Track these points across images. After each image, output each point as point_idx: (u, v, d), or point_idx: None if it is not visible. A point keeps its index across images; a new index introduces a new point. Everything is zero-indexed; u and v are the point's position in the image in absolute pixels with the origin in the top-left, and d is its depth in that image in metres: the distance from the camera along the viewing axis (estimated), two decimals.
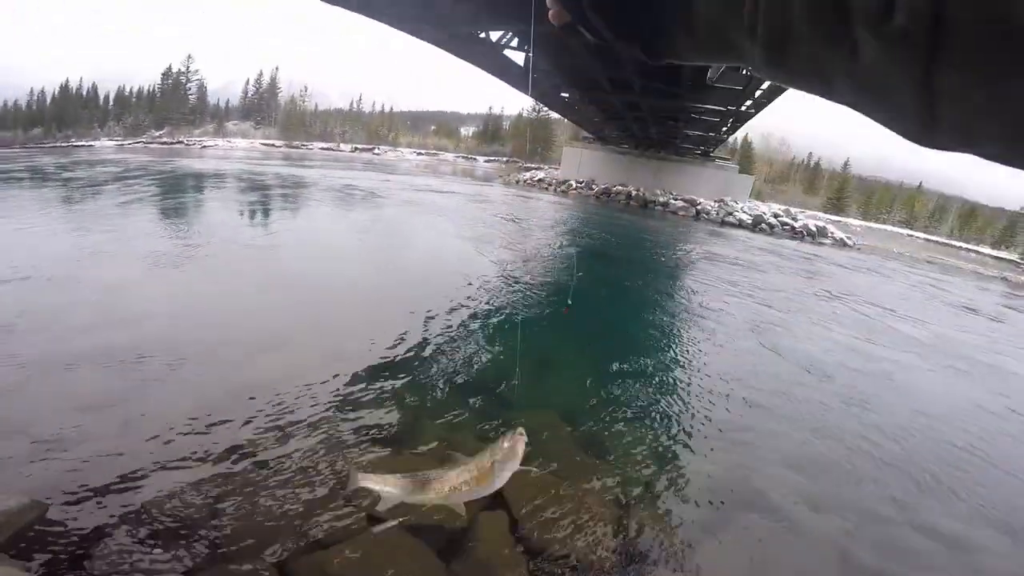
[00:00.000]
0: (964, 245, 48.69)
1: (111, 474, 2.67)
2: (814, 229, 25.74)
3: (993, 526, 3.46)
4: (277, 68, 69.48)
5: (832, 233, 26.15)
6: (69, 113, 58.19)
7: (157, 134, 56.24)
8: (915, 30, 0.24)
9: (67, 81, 62.83)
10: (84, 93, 62.43)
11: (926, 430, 4.72)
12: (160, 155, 31.39)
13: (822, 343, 6.98)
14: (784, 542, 2.97)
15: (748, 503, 3.24)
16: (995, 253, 45.90)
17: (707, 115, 17.96)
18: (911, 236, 49.18)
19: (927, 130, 0.27)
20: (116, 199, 12.08)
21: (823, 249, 21.98)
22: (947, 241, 50.04)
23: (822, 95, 0.34)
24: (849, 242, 25.91)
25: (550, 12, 0.50)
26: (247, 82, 67.85)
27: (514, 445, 1.03)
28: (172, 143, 51.84)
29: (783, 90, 14.16)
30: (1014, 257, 43.92)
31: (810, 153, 67.95)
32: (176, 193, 14.57)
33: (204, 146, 49.77)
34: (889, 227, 53.30)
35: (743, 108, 16.47)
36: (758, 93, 15.18)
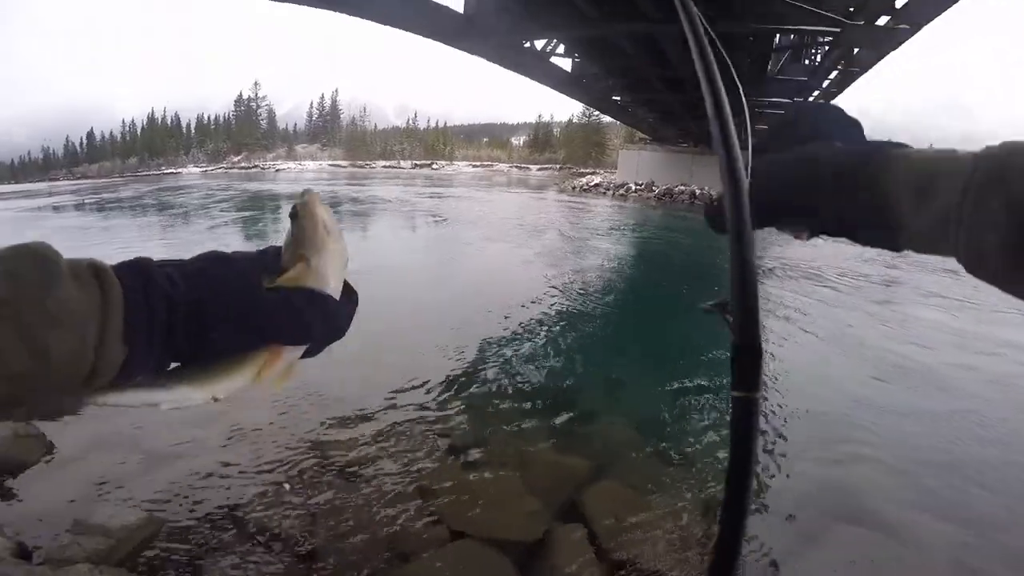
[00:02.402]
0: None
1: (216, 487, 2.87)
2: None
3: None
4: (337, 90, 73.94)
5: None
6: (157, 142, 64.98)
7: (235, 159, 61.37)
8: None
9: (152, 111, 70.13)
10: (168, 122, 69.43)
11: None
12: (240, 179, 34.07)
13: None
14: (896, 553, 2.69)
15: (853, 512, 2.96)
16: None
17: (771, 108, 17.02)
18: None
19: None
20: (213, 221, 13.22)
21: None
22: None
23: None
24: None
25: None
26: (311, 105, 72.59)
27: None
28: (249, 167, 56.22)
29: (854, 78, 13.16)
30: None
31: (889, 138, 63.09)
32: (259, 213, 15.73)
33: (278, 169, 53.58)
34: None
35: (811, 99, 15.47)
36: (826, 83, 14.20)
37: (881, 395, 4.59)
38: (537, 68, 12.12)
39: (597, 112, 43.88)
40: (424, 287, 7.80)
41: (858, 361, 5.50)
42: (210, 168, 56.43)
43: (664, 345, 5.76)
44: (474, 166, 63.87)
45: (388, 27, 8.15)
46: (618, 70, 13.49)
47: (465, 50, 9.34)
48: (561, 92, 16.12)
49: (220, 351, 0.38)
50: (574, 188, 32.61)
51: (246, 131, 65.56)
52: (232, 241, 10.76)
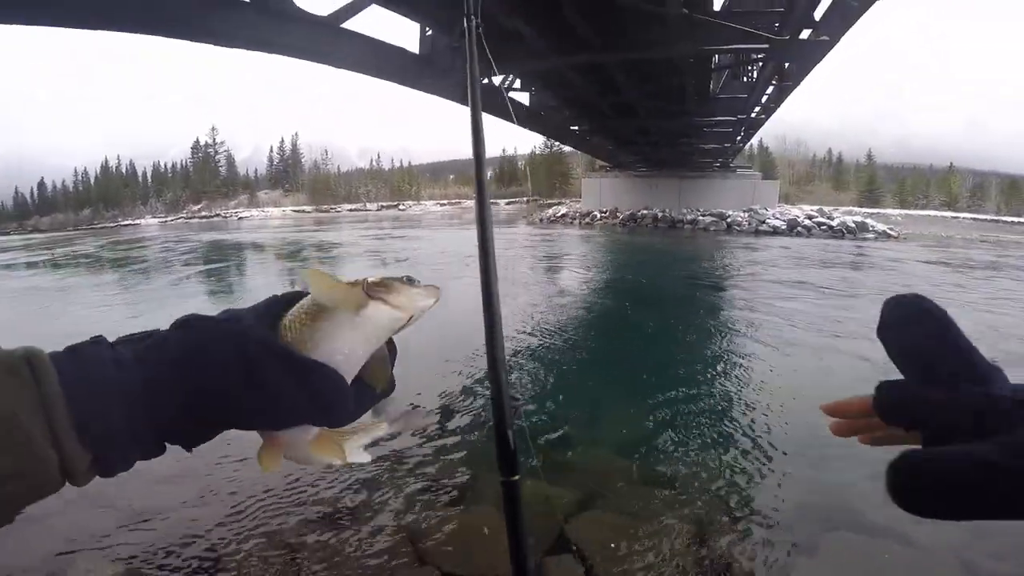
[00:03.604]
0: (1017, 219, 45.66)
1: (195, 537, 2.70)
2: (853, 225, 24.69)
3: None
4: (297, 134, 73.94)
5: (873, 227, 25.00)
6: (112, 192, 62.74)
7: (195, 208, 60.08)
8: None
9: (106, 160, 67.92)
10: (123, 171, 67.42)
11: None
12: (201, 229, 33.30)
13: None
14: (894, 559, 2.65)
15: (842, 520, 2.94)
16: None
17: (718, 127, 17.92)
18: (956, 218, 46.71)
19: None
20: (176, 276, 12.76)
21: (869, 244, 21.11)
22: (995, 218, 47.27)
23: None
24: (892, 233, 24.70)
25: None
26: (271, 149, 72.17)
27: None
28: (210, 216, 55.11)
29: (788, 92, 13.99)
30: None
31: (830, 149, 66.74)
32: (223, 265, 15.30)
33: (240, 217, 52.69)
34: (930, 212, 51.07)
35: (752, 115, 16.35)
36: (764, 98, 15.07)
37: None
38: (495, 103, 12.44)
39: (558, 143, 45.31)
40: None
41: None
42: (169, 219, 54.97)
43: (639, 368, 5.73)
44: (441, 204, 64.44)
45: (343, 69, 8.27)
46: (571, 101, 13.99)
47: (424, 90, 9.52)
48: (522, 126, 16.59)
49: (205, 431, 0.35)
50: (542, 220, 33.23)
51: (205, 178, 64.45)
52: (198, 295, 10.39)
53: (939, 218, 45.65)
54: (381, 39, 7.48)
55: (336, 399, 0.36)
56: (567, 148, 47.57)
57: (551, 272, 12.99)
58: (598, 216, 30.49)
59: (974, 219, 46.35)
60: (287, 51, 6.92)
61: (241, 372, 0.33)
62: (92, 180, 65.41)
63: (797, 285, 10.67)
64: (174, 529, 2.81)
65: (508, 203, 62.66)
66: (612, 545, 2.65)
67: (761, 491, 3.26)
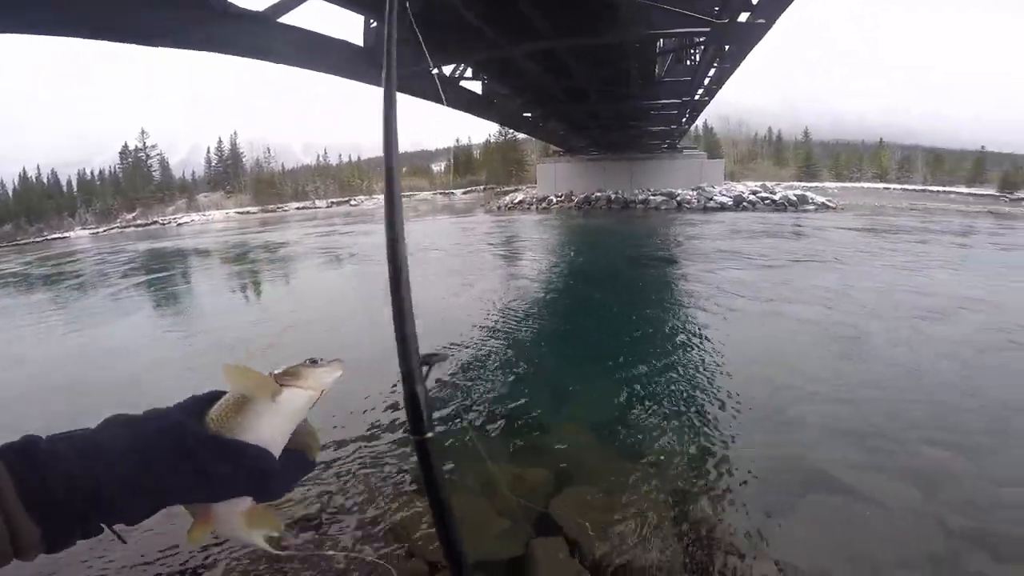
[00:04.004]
0: (941, 189, 50.04)
1: (173, 558, 2.56)
2: (794, 199, 26.15)
3: None
4: (236, 132, 69.78)
5: (812, 199, 26.55)
6: (35, 205, 57.39)
7: (130, 217, 56.07)
8: None
9: (24, 171, 61.94)
10: (45, 181, 61.84)
11: None
12: (139, 239, 31.29)
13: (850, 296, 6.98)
14: (858, 513, 2.83)
15: (808, 479, 3.13)
16: (972, 191, 47.08)
17: (664, 110, 18.43)
18: (887, 189, 50.47)
19: None
20: (115, 288, 11.93)
21: (809, 216, 22.36)
22: (923, 188, 51.33)
23: None
24: (831, 204, 26.39)
25: None
26: (208, 151, 68.00)
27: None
28: (147, 224, 51.72)
29: (729, 74, 14.51)
30: (991, 192, 45.18)
31: (770, 128, 70.02)
32: (166, 275, 14.45)
33: (180, 223, 49.80)
34: (864, 184, 54.65)
35: (696, 97, 16.87)
36: (707, 80, 15.57)
37: None
38: (447, 94, 12.25)
39: (512, 131, 45.13)
40: (352, 325, 7.49)
41: None
42: (101, 230, 51.15)
43: (604, 344, 5.90)
44: None
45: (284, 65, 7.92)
46: (524, 87, 13.99)
47: (370, 83, 9.26)
48: (474, 115, 16.40)
49: (147, 511, 0.39)
50: (499, 207, 33.16)
51: (137, 185, 59.91)
52: (142, 309, 9.79)
53: (872, 189, 49.01)
54: (322, 32, 7.19)
55: (266, 471, 0.42)
56: (521, 135, 47.50)
57: (510, 258, 13.06)
58: (554, 201, 30.79)
59: (904, 189, 50.18)
60: (221, 49, 6.56)
61: (179, 459, 0.38)
62: (10, 193, 59.62)
63: (743, 257, 11.22)
64: (150, 543, 2.68)
65: (465, 192, 62.06)
66: (594, 522, 2.72)
67: (730, 454, 3.44)
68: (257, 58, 7.15)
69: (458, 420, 4.13)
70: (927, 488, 3.00)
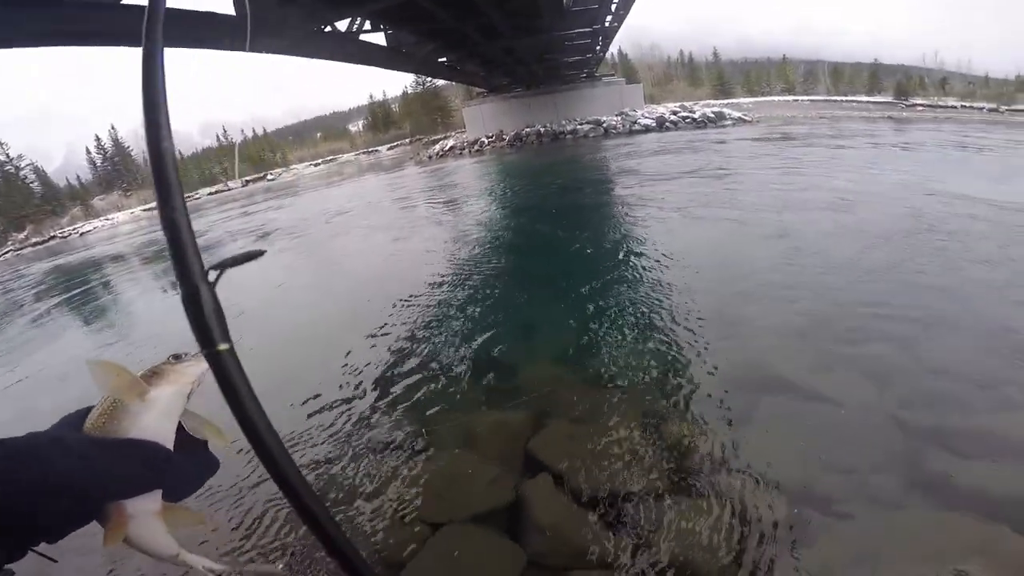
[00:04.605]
0: (843, 98, 53.42)
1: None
2: (712, 116, 27.00)
3: None
4: (113, 126, 61.95)
5: (729, 115, 27.51)
6: None
7: (21, 236, 49.94)
8: None
9: None
10: None
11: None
12: (41, 257, 28.19)
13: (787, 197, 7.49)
14: (818, 410, 3.01)
15: (769, 380, 3.33)
16: (871, 99, 50.72)
17: (577, 39, 18.17)
18: (796, 100, 53.07)
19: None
20: (34, 313, 10.88)
21: (728, 130, 23.20)
22: (828, 99, 54.31)
23: None
24: (747, 118, 27.54)
25: None
26: (88, 151, 60.57)
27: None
28: (45, 241, 46.37)
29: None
30: (888, 99, 49.08)
31: (681, 50, 70.64)
32: (87, 287, 13.28)
33: (83, 232, 45.00)
34: (775, 98, 56.87)
35: (606, 24, 16.68)
36: (614, 6, 15.36)
37: None
38: (347, 50, 11.45)
39: (430, 79, 42.74)
40: (306, 292, 7.32)
41: None
42: None
43: (557, 277, 6.05)
44: (316, 164, 59.14)
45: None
46: (434, 33, 13.26)
47: (259, 51, 8.52)
48: (384, 67, 15.46)
49: (61, 527, 0.39)
50: (430, 157, 32.11)
51: (18, 202, 52.90)
52: (72, 329, 9.09)
53: (783, 102, 51.23)
54: (183, 8, 6.51)
55: (158, 458, 0.43)
56: (440, 82, 45.16)
57: (451, 206, 12.87)
58: (486, 142, 30.21)
59: (811, 100, 53.00)
60: (73, 40, 5.84)
61: (69, 462, 0.39)
62: None
63: (673, 175, 11.66)
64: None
65: (390, 148, 58.98)
66: (574, 454, 2.84)
67: (691, 367, 3.66)
68: (113, 44, 6.42)
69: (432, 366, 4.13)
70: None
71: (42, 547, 0.42)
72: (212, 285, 0.43)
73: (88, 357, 0.44)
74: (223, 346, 0.41)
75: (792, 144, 16.29)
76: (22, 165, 54.86)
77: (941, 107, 40.80)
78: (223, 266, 0.45)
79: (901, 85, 52.77)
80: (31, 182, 55.25)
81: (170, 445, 0.45)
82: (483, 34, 14.35)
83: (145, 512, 0.44)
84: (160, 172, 0.44)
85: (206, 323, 0.41)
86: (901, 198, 7.43)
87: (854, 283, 4.75)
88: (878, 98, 51.39)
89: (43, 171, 57.78)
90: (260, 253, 0.51)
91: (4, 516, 0.36)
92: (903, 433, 2.80)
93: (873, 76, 59.10)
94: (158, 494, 0.44)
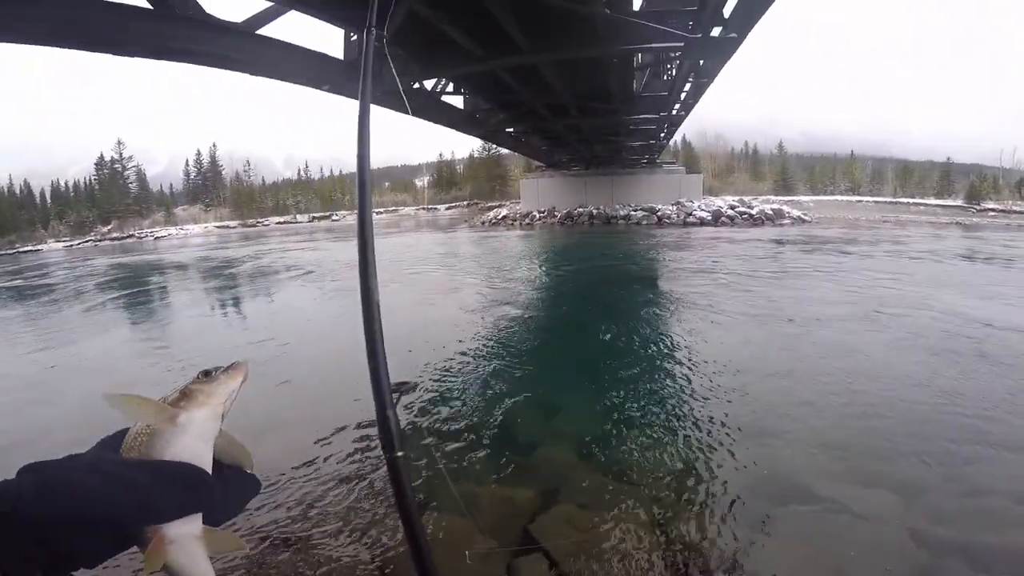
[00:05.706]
0: (910, 200, 52.02)
1: None
2: (771, 212, 26.70)
3: None
4: (215, 144, 69.03)
5: (788, 213, 27.19)
6: (5, 216, 55.49)
7: (105, 230, 54.72)
8: None
9: None
10: (17, 192, 60.14)
11: None
12: (114, 252, 30.52)
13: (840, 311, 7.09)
14: (839, 525, 2.81)
15: (788, 491, 3.11)
16: (940, 202, 49.13)
17: (643, 124, 18.83)
18: (860, 201, 52.14)
19: None
20: (89, 304, 11.52)
21: (785, 229, 22.88)
22: (894, 200, 53.16)
23: None
24: (806, 218, 27.13)
25: None
26: (187, 163, 67.09)
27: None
28: (123, 238, 50.53)
29: (704, 88, 14.90)
30: (959, 203, 47.42)
31: (746, 142, 72.34)
32: (143, 288, 14.05)
33: (157, 237, 48.81)
34: (838, 197, 56.42)
35: (674, 112, 17.27)
36: (683, 95, 15.97)
37: None
38: (430, 109, 12.32)
39: (496, 146, 45.47)
40: (338, 342, 7.36)
41: None
42: (76, 242, 49.74)
43: (589, 363, 5.84)
44: (379, 212, 62.63)
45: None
46: (506, 103, 14.13)
47: (351, 96, 9.25)
48: (457, 130, 16.50)
49: (98, 552, 0.38)
50: (483, 223, 33.26)
51: (114, 197, 58.44)
52: (118, 325, 9.48)
53: (846, 202, 50.55)
54: (302, 45, 7.19)
55: (199, 481, 0.42)
56: (504, 151, 47.89)
57: (495, 274, 13.01)
58: (537, 216, 30.99)
59: (875, 201, 51.90)
60: (197, 59, 6.50)
61: (108, 486, 0.38)
62: None
63: (727, 272, 11.37)
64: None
65: (448, 208, 62.01)
66: (576, 540, 2.67)
67: (713, 471, 3.39)
68: (232, 70, 7.10)
69: (431, 440, 4.02)
70: None
71: (81, 572, 0.41)
72: (395, 403, 0.50)
73: (104, 391, 0.42)
74: (399, 453, 0.48)
75: (846, 251, 15.68)
76: (129, 165, 61.18)
77: (1016, 212, 38.70)
78: (402, 391, 0.62)
79: (974, 187, 50.48)
80: (131, 182, 61.24)
81: (208, 468, 0.44)
82: (552, 111, 15.17)
83: (186, 536, 0.42)
84: (368, 308, 0.43)
85: (391, 431, 0.46)
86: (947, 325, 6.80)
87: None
88: (947, 201, 49.68)
89: (144, 173, 64.05)
90: (413, 388, 0.54)
91: (43, 545, 0.37)
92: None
93: (944, 177, 57.32)
94: (198, 518, 0.43)
